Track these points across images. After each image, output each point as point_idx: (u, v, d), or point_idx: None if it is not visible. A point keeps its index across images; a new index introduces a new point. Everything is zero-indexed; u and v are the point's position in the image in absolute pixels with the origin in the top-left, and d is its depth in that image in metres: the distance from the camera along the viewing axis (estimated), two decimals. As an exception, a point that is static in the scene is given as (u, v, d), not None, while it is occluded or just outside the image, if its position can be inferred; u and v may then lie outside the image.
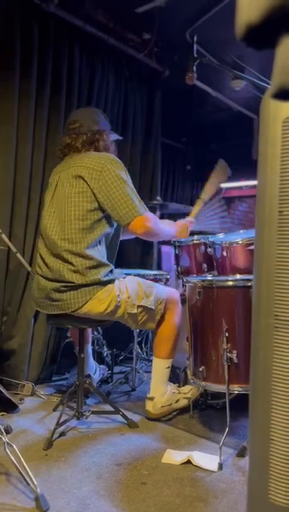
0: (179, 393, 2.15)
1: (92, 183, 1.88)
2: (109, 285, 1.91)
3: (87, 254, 1.86)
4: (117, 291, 1.92)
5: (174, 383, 2.21)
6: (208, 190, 2.55)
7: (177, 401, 2.12)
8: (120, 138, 2.33)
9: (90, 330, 2.48)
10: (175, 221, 2.35)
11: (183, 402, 2.13)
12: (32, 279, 2.08)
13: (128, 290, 1.96)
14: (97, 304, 1.87)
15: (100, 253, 1.92)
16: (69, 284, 1.85)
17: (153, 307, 2.03)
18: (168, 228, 2.20)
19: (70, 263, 1.85)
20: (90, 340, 2.51)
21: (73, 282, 1.85)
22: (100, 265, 1.89)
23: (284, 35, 0.44)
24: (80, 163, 1.94)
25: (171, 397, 2.10)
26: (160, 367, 2.10)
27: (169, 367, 2.11)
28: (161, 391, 2.08)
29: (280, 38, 0.45)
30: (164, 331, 2.11)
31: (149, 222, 1.91)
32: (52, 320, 2.03)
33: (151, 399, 2.07)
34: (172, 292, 2.17)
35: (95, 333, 2.69)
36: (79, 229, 1.88)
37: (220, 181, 2.58)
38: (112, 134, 2.21)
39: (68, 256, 1.86)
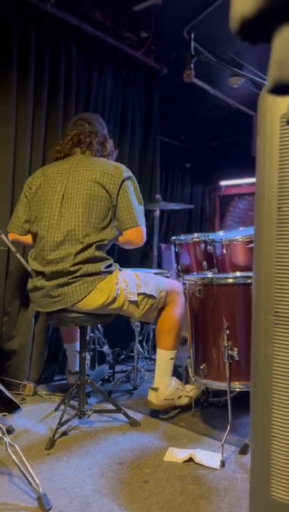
0: (182, 390, 2.15)
1: (110, 187, 1.96)
2: (109, 276, 1.95)
3: (96, 249, 1.92)
4: (115, 280, 1.96)
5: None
6: None
7: (179, 397, 2.12)
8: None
9: (77, 330, 2.48)
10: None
11: (184, 400, 2.13)
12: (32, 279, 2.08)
13: (126, 280, 2.00)
14: (98, 295, 1.90)
15: (104, 249, 1.99)
16: (70, 276, 1.88)
17: (154, 294, 2.05)
18: None
19: (78, 252, 1.90)
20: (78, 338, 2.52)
21: (74, 271, 1.87)
22: (103, 259, 1.95)
23: (279, 28, 0.44)
24: (94, 167, 2.00)
25: (174, 391, 2.10)
26: (163, 358, 2.11)
27: (172, 358, 2.12)
28: (166, 383, 2.08)
29: (275, 32, 0.45)
30: (165, 321, 2.12)
31: (143, 235, 2.05)
32: (52, 320, 2.03)
33: (156, 390, 2.07)
34: (173, 283, 2.20)
35: (96, 332, 2.69)
36: (96, 228, 1.94)
37: None
38: None
39: (77, 247, 1.90)
